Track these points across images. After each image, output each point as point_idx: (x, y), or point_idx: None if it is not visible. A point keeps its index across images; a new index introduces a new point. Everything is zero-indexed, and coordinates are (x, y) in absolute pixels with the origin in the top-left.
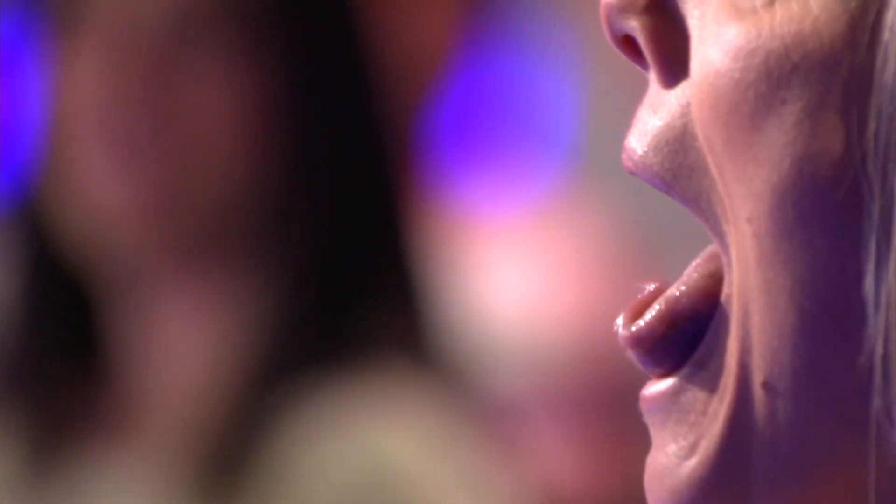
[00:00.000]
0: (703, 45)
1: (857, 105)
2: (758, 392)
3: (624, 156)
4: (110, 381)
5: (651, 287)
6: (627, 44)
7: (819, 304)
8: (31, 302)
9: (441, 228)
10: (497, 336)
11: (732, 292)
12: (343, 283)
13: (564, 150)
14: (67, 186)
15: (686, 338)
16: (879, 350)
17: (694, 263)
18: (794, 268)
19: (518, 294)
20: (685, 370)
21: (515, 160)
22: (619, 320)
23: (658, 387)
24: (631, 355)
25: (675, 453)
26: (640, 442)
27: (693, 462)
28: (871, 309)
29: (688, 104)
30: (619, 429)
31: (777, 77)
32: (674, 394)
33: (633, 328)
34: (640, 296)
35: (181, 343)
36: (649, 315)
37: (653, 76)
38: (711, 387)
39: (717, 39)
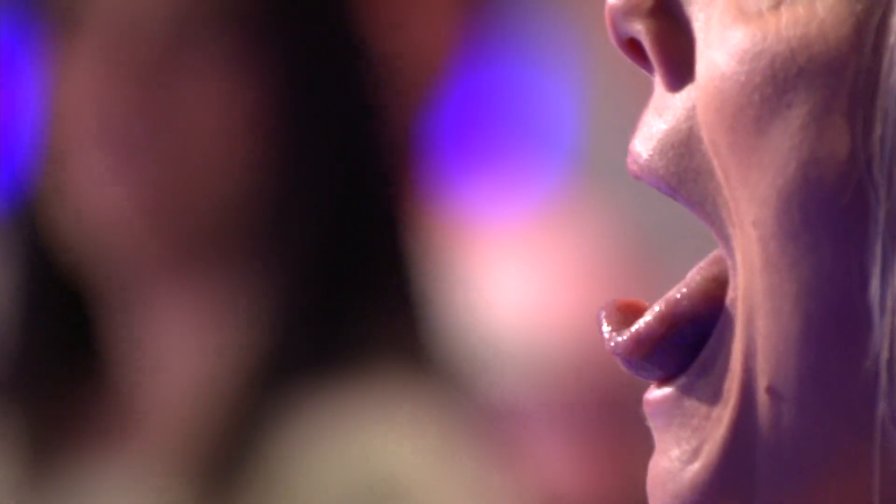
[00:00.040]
0: (709, 49)
1: (863, 109)
2: (762, 396)
3: (629, 159)
4: (108, 383)
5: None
6: (632, 47)
7: (824, 309)
8: (29, 304)
9: (441, 231)
10: (497, 340)
11: (737, 296)
12: (342, 286)
13: (565, 154)
14: (65, 189)
15: (686, 340)
16: (885, 354)
17: (697, 266)
18: (799, 272)
19: (518, 298)
20: (688, 374)
21: (516, 163)
22: (606, 328)
23: (661, 390)
24: (622, 364)
25: (678, 458)
26: (641, 447)
27: (696, 466)
28: (876, 313)
29: (693, 107)
30: (619, 433)
31: (783, 80)
32: (677, 398)
33: (632, 329)
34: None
35: (179, 345)
36: (649, 316)
37: (658, 79)
38: (715, 391)
39: (722, 43)
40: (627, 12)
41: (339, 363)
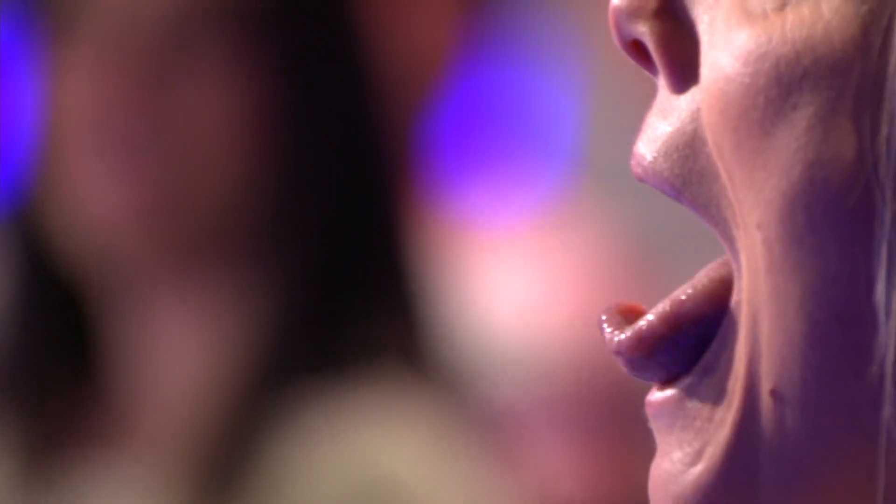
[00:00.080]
0: (713, 50)
1: (869, 110)
2: (766, 399)
3: (633, 161)
4: (106, 386)
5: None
6: (636, 49)
7: (829, 311)
8: (27, 307)
9: (440, 234)
10: (496, 343)
11: (742, 298)
12: (341, 288)
13: (565, 156)
14: (63, 191)
15: (690, 341)
16: (890, 358)
17: (706, 268)
18: (804, 275)
19: (518, 300)
20: (691, 375)
21: (516, 166)
22: (607, 329)
23: (664, 392)
24: (624, 365)
25: (680, 460)
26: (641, 449)
27: (698, 469)
28: (882, 316)
29: (698, 109)
30: (619, 436)
31: (788, 82)
32: (680, 399)
33: (635, 327)
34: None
35: (178, 348)
36: (652, 316)
37: (662, 81)
38: (718, 393)
39: (727, 44)
40: (631, 14)
41: (338, 365)
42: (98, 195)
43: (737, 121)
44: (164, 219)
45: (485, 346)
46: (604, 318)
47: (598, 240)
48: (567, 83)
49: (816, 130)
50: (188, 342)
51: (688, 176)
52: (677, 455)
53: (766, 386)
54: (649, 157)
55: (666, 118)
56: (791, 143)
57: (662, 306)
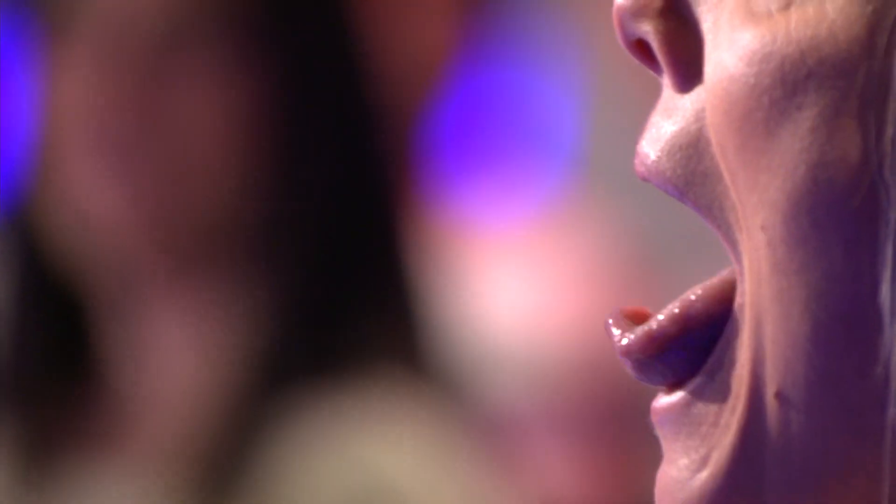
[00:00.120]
0: (717, 50)
1: (874, 111)
2: (770, 402)
3: (636, 160)
4: (105, 387)
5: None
6: (640, 48)
7: (834, 313)
8: (25, 308)
9: (440, 236)
10: (496, 346)
11: (745, 301)
12: (340, 291)
13: (565, 157)
14: (60, 191)
15: (699, 343)
16: (895, 358)
17: (720, 271)
18: (808, 276)
19: (518, 303)
20: (696, 380)
21: (516, 168)
22: (615, 331)
23: (669, 398)
24: (631, 368)
25: (686, 466)
26: (642, 454)
27: (704, 474)
28: (886, 317)
29: (703, 109)
30: (620, 439)
31: (792, 82)
32: (685, 405)
33: (644, 328)
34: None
35: (174, 353)
36: (662, 316)
37: (666, 80)
38: (723, 397)
39: (731, 44)
40: (636, 13)
41: (337, 368)
42: (95, 196)
43: (740, 121)
44: (162, 219)
45: (485, 349)
46: (610, 321)
47: (599, 241)
48: (567, 84)
49: (821, 131)
50: (186, 344)
51: (691, 176)
52: (683, 462)
53: (770, 388)
54: (653, 157)
55: (670, 117)
56: (795, 143)
57: (672, 307)
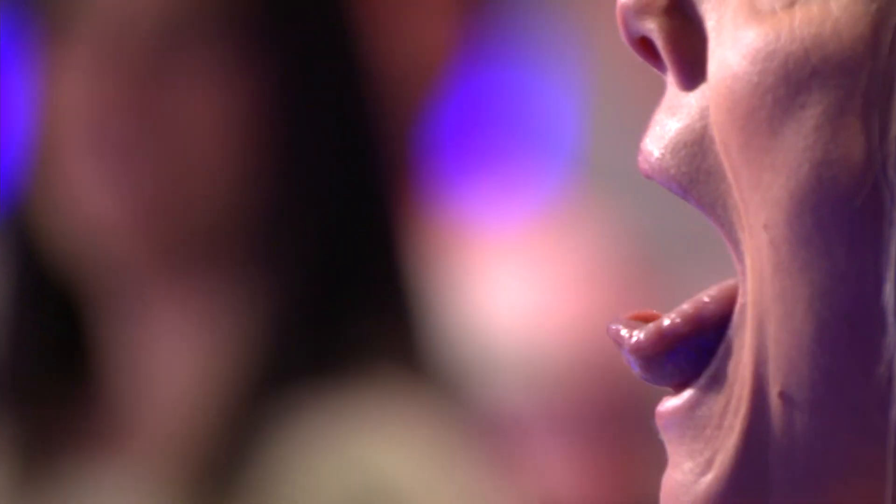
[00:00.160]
0: (721, 48)
1: (878, 109)
2: (774, 402)
3: (640, 158)
4: (103, 388)
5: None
6: (644, 46)
7: (837, 313)
8: (23, 309)
9: (439, 237)
10: (496, 348)
11: (747, 301)
12: (339, 291)
13: (565, 157)
14: (59, 192)
15: (710, 344)
16: None
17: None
18: (811, 276)
19: (518, 305)
20: (700, 382)
21: (516, 168)
22: (623, 332)
23: (673, 402)
24: (639, 364)
25: (691, 470)
26: (642, 454)
27: (709, 477)
28: (890, 316)
29: (707, 107)
30: (619, 439)
31: (796, 81)
32: (689, 408)
33: (654, 326)
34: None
35: (172, 354)
36: (674, 314)
37: (670, 78)
38: (727, 399)
39: (735, 42)
40: (639, 11)
41: (336, 368)
42: (94, 196)
43: (744, 119)
44: (161, 220)
45: (484, 350)
46: (617, 324)
47: (599, 241)
48: (568, 84)
49: (825, 129)
50: (185, 344)
51: (695, 174)
52: (688, 466)
53: (774, 388)
54: (657, 154)
55: (675, 115)
56: (799, 142)
57: (685, 307)
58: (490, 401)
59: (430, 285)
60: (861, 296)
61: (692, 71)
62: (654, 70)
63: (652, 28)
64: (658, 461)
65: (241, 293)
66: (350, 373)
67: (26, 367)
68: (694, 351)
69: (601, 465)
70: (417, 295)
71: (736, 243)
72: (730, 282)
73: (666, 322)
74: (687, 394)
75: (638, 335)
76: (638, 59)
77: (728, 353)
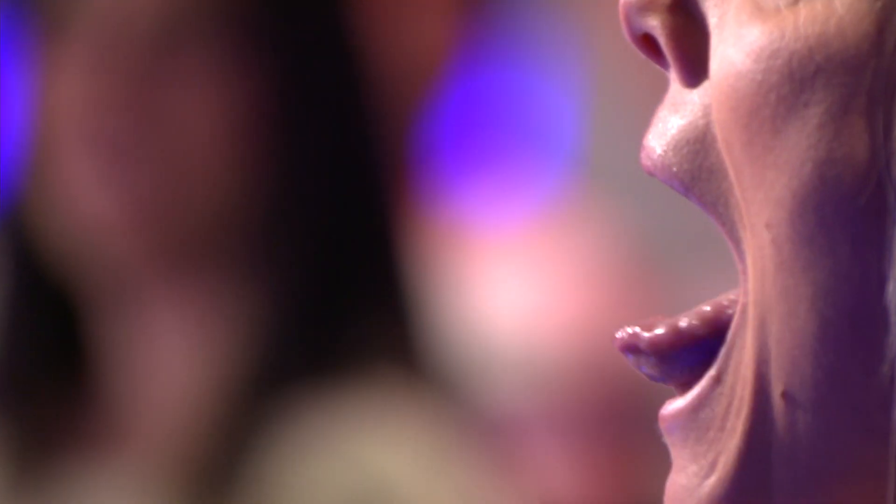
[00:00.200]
0: (723, 45)
1: (882, 108)
2: (777, 402)
3: (642, 155)
4: (97, 392)
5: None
6: (647, 43)
7: (840, 312)
8: (19, 309)
9: (438, 238)
10: (495, 348)
11: (748, 301)
12: (336, 292)
13: (565, 157)
14: (53, 195)
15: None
16: None
17: None
18: (814, 275)
19: (518, 305)
20: (703, 383)
21: (515, 168)
22: (639, 330)
23: (676, 404)
24: (652, 364)
25: (695, 473)
26: (641, 455)
27: (712, 480)
28: (893, 316)
29: (711, 104)
30: (618, 442)
31: (800, 79)
32: (693, 410)
33: (670, 324)
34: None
35: (169, 354)
36: (692, 317)
37: (673, 75)
38: (729, 400)
39: (737, 40)
40: (642, 8)
41: (334, 369)
42: (91, 196)
43: (747, 118)
44: (157, 220)
45: (483, 351)
46: (629, 328)
47: (598, 242)
48: (567, 84)
49: (828, 128)
50: (182, 345)
51: (697, 172)
52: (692, 469)
53: (776, 388)
54: (659, 151)
55: (677, 112)
56: (802, 140)
57: (706, 309)
58: (489, 401)
59: (429, 285)
60: (864, 294)
61: (695, 68)
62: (654, 70)
63: (655, 25)
64: (657, 461)
65: (238, 293)
66: (348, 373)
67: (23, 367)
68: (707, 352)
69: (600, 465)
70: (416, 295)
71: (737, 242)
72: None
73: (683, 323)
74: (690, 395)
75: (655, 332)
76: (637, 58)
77: (729, 354)
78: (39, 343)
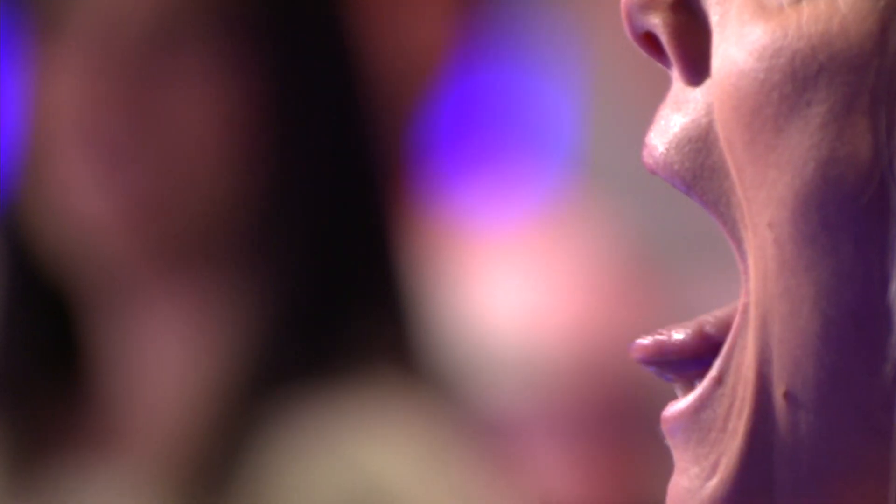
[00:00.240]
0: (725, 43)
1: (885, 107)
2: (779, 403)
3: (644, 153)
4: (93, 392)
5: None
6: (648, 41)
7: (843, 312)
8: (14, 309)
9: (436, 238)
10: (494, 349)
11: (750, 301)
12: (333, 292)
13: (563, 157)
14: (49, 194)
15: None
16: None
17: None
18: (817, 274)
19: (516, 305)
20: (705, 385)
21: (513, 168)
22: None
23: (678, 406)
24: (669, 366)
25: (697, 475)
26: (640, 455)
27: (714, 482)
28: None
29: (713, 102)
30: (617, 441)
31: (803, 78)
32: (694, 411)
33: (694, 330)
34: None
35: (165, 354)
36: (712, 321)
37: (675, 74)
38: (730, 401)
39: (740, 38)
40: (644, 6)
41: (331, 370)
42: (86, 195)
43: (750, 117)
44: (154, 220)
45: (481, 351)
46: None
47: (597, 242)
48: (566, 83)
49: (831, 127)
50: (177, 345)
51: (699, 170)
52: (694, 471)
53: (778, 389)
54: (661, 149)
55: (680, 110)
56: (805, 140)
57: (724, 316)
58: (487, 401)
59: (427, 285)
60: (867, 294)
61: (697, 66)
62: (653, 70)
63: (656, 23)
64: (656, 461)
65: (235, 293)
66: (346, 373)
67: (19, 366)
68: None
69: (599, 465)
70: (414, 295)
71: (739, 241)
72: None
73: (708, 328)
74: (691, 397)
75: (679, 336)
76: (637, 58)
77: (731, 354)
78: (35, 343)
